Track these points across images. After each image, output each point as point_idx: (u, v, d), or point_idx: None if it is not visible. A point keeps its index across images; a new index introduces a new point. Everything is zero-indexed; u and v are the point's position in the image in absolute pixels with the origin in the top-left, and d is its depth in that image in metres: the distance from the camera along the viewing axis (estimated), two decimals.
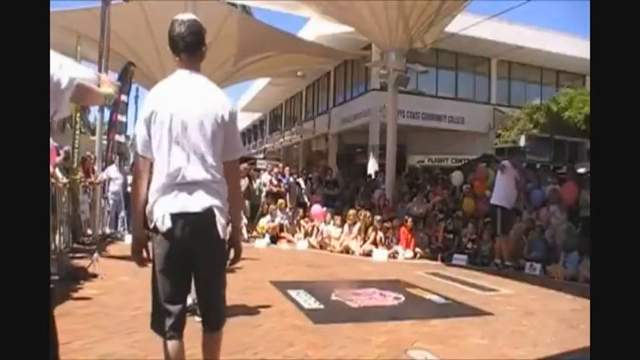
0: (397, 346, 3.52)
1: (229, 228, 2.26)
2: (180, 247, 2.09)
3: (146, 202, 2.14)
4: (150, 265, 2.18)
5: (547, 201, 8.91)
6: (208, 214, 2.09)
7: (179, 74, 2.21)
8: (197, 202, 2.08)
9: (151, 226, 2.13)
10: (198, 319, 3.57)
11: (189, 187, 2.08)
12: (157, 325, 2.17)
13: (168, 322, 2.12)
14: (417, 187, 12.13)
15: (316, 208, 10.85)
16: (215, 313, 2.23)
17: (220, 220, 2.13)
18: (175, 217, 2.06)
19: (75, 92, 2.02)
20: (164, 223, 2.06)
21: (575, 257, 7.39)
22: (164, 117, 2.09)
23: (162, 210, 2.08)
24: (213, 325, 2.24)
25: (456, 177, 10.98)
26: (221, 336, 2.28)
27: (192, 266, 2.14)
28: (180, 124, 2.08)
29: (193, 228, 2.07)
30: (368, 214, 9.92)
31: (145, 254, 2.21)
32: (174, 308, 2.13)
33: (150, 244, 2.17)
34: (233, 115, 2.22)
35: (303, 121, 24.07)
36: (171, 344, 2.12)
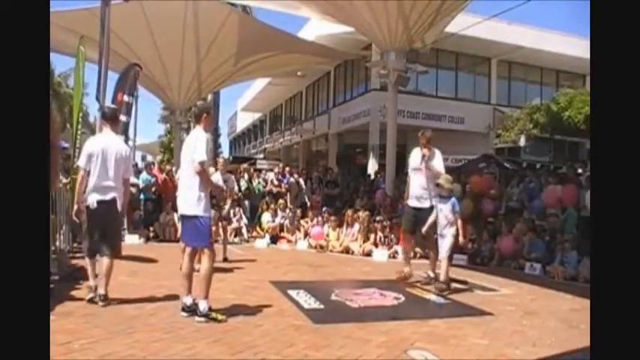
0: (397, 346, 3.51)
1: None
2: (98, 215, 4.42)
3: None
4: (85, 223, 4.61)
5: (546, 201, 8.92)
6: (113, 201, 4.45)
7: (106, 132, 4.65)
8: (109, 195, 4.44)
9: (85, 204, 4.45)
10: (198, 318, 3.78)
11: (106, 189, 4.43)
12: (86, 253, 4.62)
13: (90, 250, 4.53)
14: None
15: (316, 230, 10.27)
16: (110, 245, 4.45)
17: (117, 203, 4.48)
18: (99, 202, 4.40)
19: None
20: (93, 205, 4.41)
21: (574, 257, 7.40)
22: (97, 154, 4.43)
23: (93, 198, 4.42)
24: (108, 251, 4.44)
25: (455, 190, 10.79)
26: (112, 262, 4.44)
27: (102, 224, 4.44)
28: (105, 158, 4.44)
29: (106, 207, 4.42)
30: (366, 214, 9.90)
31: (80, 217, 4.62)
32: (93, 243, 4.49)
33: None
34: (129, 154, 4.83)
35: (303, 121, 24.07)
36: (91, 261, 4.50)
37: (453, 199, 5.84)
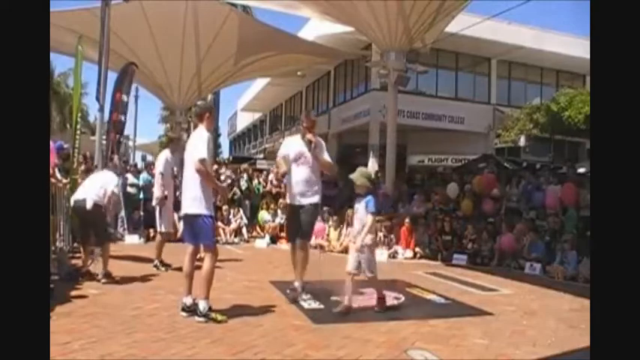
0: (397, 346, 3.51)
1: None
2: (78, 212, 5.92)
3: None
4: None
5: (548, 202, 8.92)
6: (89, 204, 5.67)
7: (105, 171, 6.48)
8: (88, 199, 5.65)
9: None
10: (198, 318, 3.78)
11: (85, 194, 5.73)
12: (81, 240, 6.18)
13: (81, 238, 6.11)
14: (416, 186, 12.12)
15: (318, 226, 10.31)
16: (100, 236, 5.69)
17: (88, 203, 5.58)
18: (75, 201, 5.84)
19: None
20: (72, 203, 6.03)
21: (574, 257, 7.40)
22: (86, 180, 6.24)
23: (73, 198, 5.99)
24: (99, 241, 5.66)
25: (452, 189, 10.79)
26: (108, 248, 5.68)
27: (83, 219, 5.86)
28: (92, 183, 5.88)
29: (82, 204, 5.70)
30: None
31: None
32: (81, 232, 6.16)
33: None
34: (111, 182, 5.81)
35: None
36: (86, 248, 5.86)
37: (369, 197, 4.60)
